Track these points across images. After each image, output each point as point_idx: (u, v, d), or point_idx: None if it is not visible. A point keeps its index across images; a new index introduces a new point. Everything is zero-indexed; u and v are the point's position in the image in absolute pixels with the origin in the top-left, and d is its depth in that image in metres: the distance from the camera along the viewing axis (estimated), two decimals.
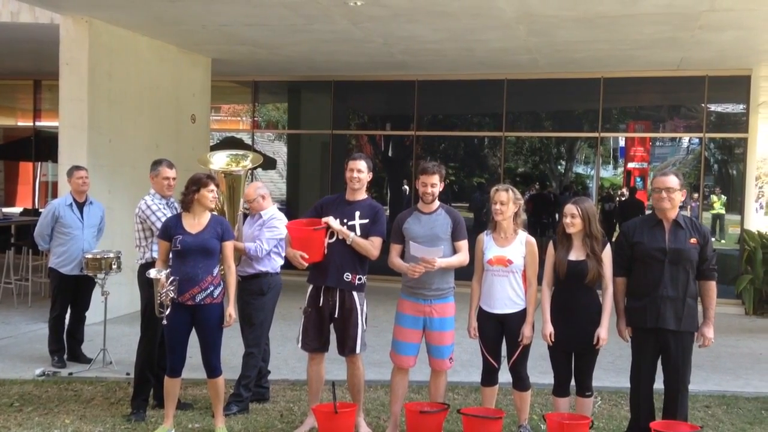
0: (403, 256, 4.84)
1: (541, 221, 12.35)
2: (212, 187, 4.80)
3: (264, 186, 5.61)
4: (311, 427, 5.01)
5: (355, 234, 4.80)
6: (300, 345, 4.99)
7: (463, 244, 4.80)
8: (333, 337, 4.98)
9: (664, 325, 4.49)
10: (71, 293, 6.69)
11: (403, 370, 4.88)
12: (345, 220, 4.83)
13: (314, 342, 4.92)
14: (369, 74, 11.78)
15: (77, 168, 6.76)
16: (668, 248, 4.50)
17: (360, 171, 4.86)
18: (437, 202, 4.85)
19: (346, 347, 4.89)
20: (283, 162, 13.34)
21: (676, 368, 4.52)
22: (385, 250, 4.91)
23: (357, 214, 4.85)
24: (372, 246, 4.80)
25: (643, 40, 8.68)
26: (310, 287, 4.94)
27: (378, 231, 4.84)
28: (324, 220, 4.81)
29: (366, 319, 4.93)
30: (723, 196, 11.60)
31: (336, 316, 4.85)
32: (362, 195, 4.95)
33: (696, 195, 11.16)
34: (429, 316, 4.76)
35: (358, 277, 4.85)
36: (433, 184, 4.76)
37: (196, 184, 4.80)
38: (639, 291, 4.59)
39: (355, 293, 4.86)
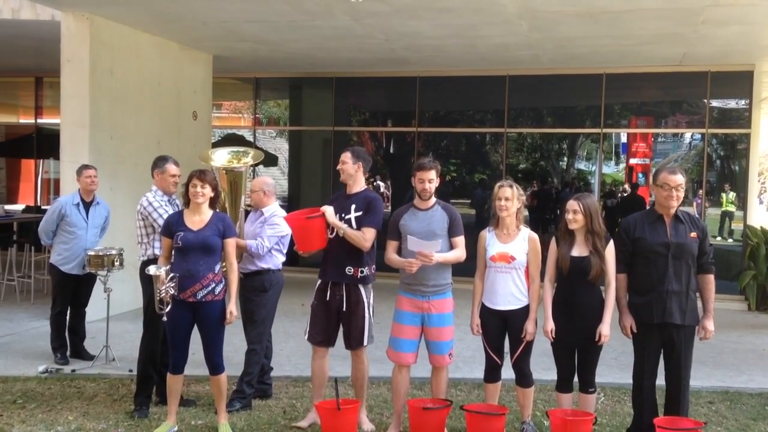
0: (399, 252, 4.83)
1: (542, 217, 12.33)
2: (195, 182, 4.76)
3: (272, 184, 5.60)
4: (312, 422, 5.03)
5: (350, 226, 4.82)
6: (306, 336, 5.03)
7: (460, 240, 4.79)
8: (339, 333, 5.00)
9: (671, 320, 4.49)
10: (72, 290, 6.69)
11: (404, 367, 4.88)
12: (343, 214, 4.86)
13: (319, 335, 4.95)
14: (370, 70, 11.77)
15: (86, 167, 6.73)
16: (671, 243, 4.51)
17: (344, 162, 4.93)
18: (434, 199, 4.85)
19: (353, 339, 4.89)
20: (285, 159, 13.34)
21: (679, 363, 4.52)
22: (381, 245, 4.90)
23: (353, 207, 4.87)
24: (362, 237, 4.78)
25: (645, 36, 8.66)
26: (319, 282, 4.97)
27: (369, 222, 4.83)
28: (322, 208, 4.84)
29: (373, 311, 4.94)
30: (732, 192, 11.54)
31: (344, 310, 4.87)
32: (359, 188, 4.97)
33: (700, 191, 11.16)
34: (427, 312, 4.76)
35: (360, 270, 4.84)
36: (430, 179, 4.75)
37: (186, 181, 4.82)
38: (643, 286, 4.58)
39: (360, 286, 4.87)
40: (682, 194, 4.54)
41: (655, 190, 4.67)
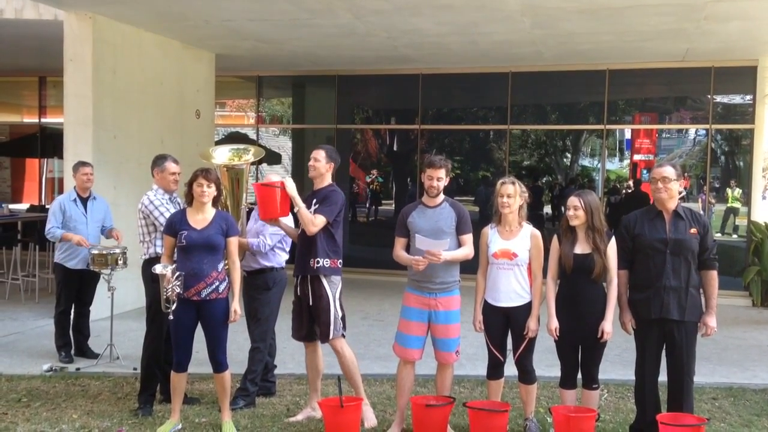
0: (408, 249, 4.85)
1: (535, 214, 12.31)
2: (201, 181, 4.79)
3: None
4: (307, 415, 5.09)
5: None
6: (291, 334, 5.17)
7: (468, 238, 4.81)
8: None
9: (668, 315, 4.49)
10: (75, 288, 6.72)
11: (409, 363, 4.89)
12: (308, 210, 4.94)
13: (297, 332, 5.10)
14: (373, 68, 11.76)
15: (83, 164, 6.79)
16: (669, 239, 4.50)
17: (317, 160, 5.00)
18: (442, 196, 4.86)
19: (321, 334, 4.98)
20: (288, 157, 13.35)
21: (681, 359, 4.52)
22: (388, 243, 4.91)
23: (314, 201, 4.96)
24: (311, 221, 4.84)
25: (648, 32, 8.63)
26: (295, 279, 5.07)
27: (321, 210, 4.90)
28: (285, 179, 4.92)
29: (340, 304, 4.98)
30: (738, 189, 11.48)
31: (311, 304, 4.94)
32: (323, 183, 5.04)
33: (704, 187, 11.13)
34: (434, 309, 4.77)
35: (316, 260, 4.89)
36: (439, 177, 4.77)
37: (189, 179, 4.84)
38: (642, 283, 4.59)
39: (324, 279, 4.91)
40: (672, 187, 4.50)
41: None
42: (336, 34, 9.04)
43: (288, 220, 5.20)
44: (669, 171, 4.52)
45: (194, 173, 4.84)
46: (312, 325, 5.03)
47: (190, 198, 4.86)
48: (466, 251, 4.79)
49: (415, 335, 4.82)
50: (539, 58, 10.46)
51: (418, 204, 4.92)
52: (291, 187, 4.89)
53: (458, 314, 4.84)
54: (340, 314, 4.97)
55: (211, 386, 5.59)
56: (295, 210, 4.89)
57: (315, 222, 4.85)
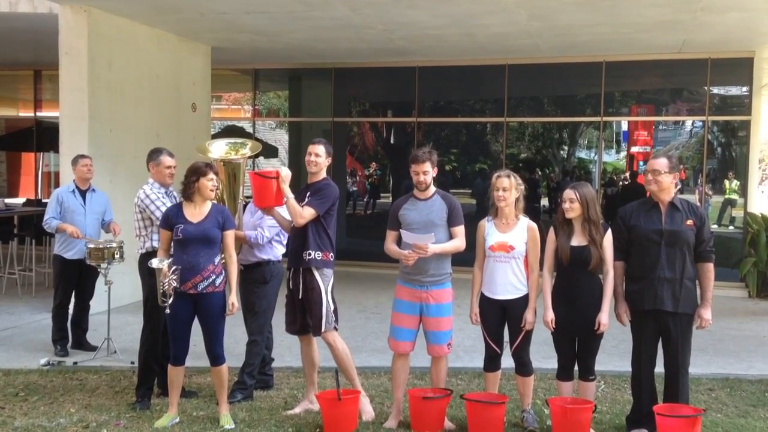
0: (399, 242, 4.84)
1: (531, 207, 12.31)
2: (211, 176, 4.81)
3: None
4: (305, 408, 5.10)
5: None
6: (285, 328, 5.16)
7: (459, 230, 4.80)
8: None
9: (662, 307, 4.50)
10: (74, 280, 6.72)
11: (403, 356, 4.90)
12: (300, 203, 4.93)
13: (290, 325, 5.09)
14: (369, 61, 11.74)
15: (82, 156, 6.82)
16: (664, 230, 4.51)
17: (318, 155, 4.99)
18: (433, 188, 4.86)
19: (313, 327, 4.97)
20: (285, 150, 13.34)
21: (676, 350, 4.53)
22: (379, 236, 4.92)
23: (308, 194, 4.97)
24: (299, 213, 4.85)
25: (644, 23, 8.63)
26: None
27: (310, 202, 4.91)
28: (281, 169, 4.93)
29: (332, 297, 4.98)
30: (736, 180, 11.49)
31: (301, 297, 4.94)
32: (319, 177, 5.05)
33: (701, 179, 11.15)
34: (425, 302, 4.77)
35: (308, 252, 4.89)
36: (425, 171, 4.77)
37: (195, 173, 4.81)
38: (637, 274, 4.60)
39: (315, 272, 4.90)
40: (662, 179, 4.50)
41: None
42: (332, 26, 9.02)
43: (283, 211, 5.20)
44: (660, 163, 4.52)
45: (201, 169, 4.82)
46: (305, 318, 5.03)
47: (187, 192, 4.84)
48: (457, 243, 4.78)
49: (407, 328, 4.82)
50: (536, 50, 10.44)
51: (409, 197, 4.91)
52: (284, 178, 4.88)
53: (450, 307, 4.85)
54: (332, 307, 4.97)
55: (208, 380, 5.60)
56: (283, 201, 4.89)
57: (303, 214, 4.85)
